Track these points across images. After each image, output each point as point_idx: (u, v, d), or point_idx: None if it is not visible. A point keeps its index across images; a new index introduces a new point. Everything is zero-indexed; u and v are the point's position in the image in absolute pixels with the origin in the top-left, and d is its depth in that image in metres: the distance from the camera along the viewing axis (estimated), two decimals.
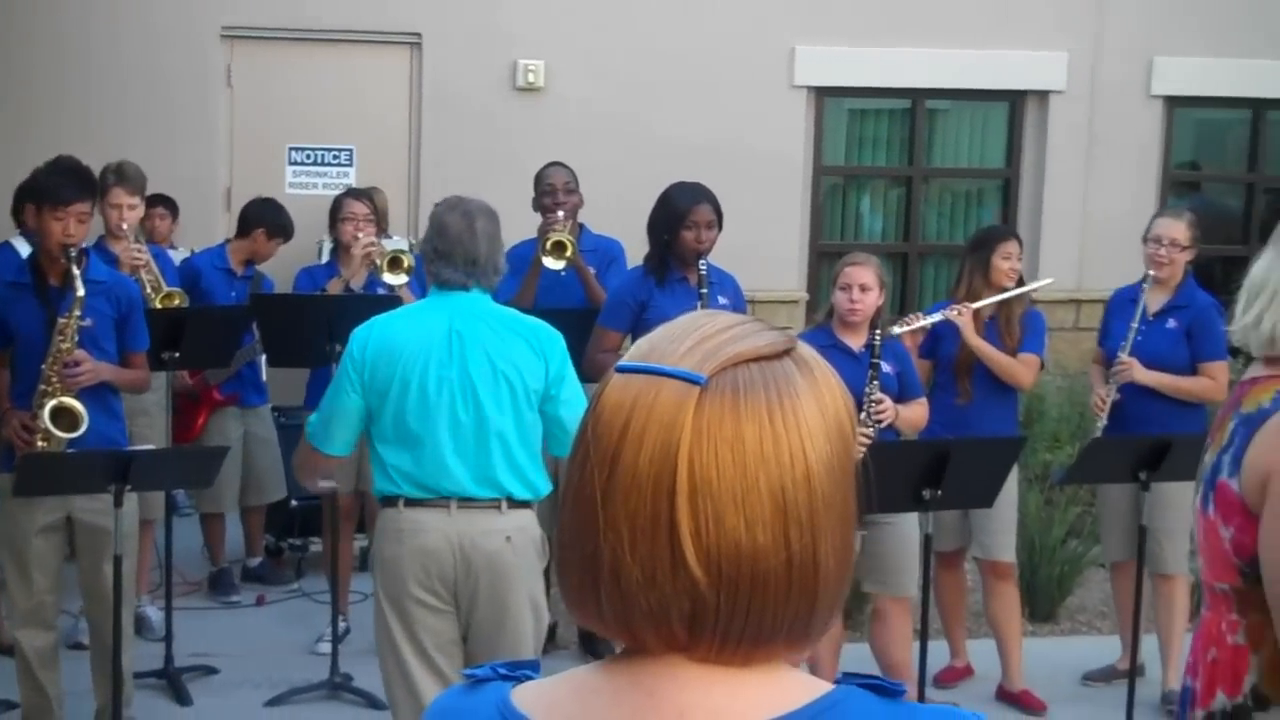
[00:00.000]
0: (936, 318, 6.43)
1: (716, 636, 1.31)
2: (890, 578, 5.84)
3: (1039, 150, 10.68)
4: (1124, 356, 6.38)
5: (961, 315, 6.32)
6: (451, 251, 4.57)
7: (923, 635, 5.71)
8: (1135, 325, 6.39)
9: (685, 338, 1.34)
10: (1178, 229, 6.40)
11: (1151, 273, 6.36)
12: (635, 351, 1.36)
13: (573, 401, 4.57)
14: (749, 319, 1.40)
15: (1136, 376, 6.32)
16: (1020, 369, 6.42)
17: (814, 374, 1.36)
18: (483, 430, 4.52)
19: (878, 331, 5.75)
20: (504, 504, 4.55)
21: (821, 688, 1.34)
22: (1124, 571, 6.47)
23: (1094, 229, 10.50)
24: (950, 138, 10.89)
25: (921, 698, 5.53)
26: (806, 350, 1.38)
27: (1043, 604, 7.59)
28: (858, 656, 5.95)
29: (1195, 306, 6.35)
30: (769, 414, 1.30)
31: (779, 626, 1.31)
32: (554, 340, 4.65)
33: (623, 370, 1.34)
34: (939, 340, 6.52)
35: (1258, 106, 11.06)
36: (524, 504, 4.61)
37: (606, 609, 1.33)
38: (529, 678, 1.43)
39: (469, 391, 4.51)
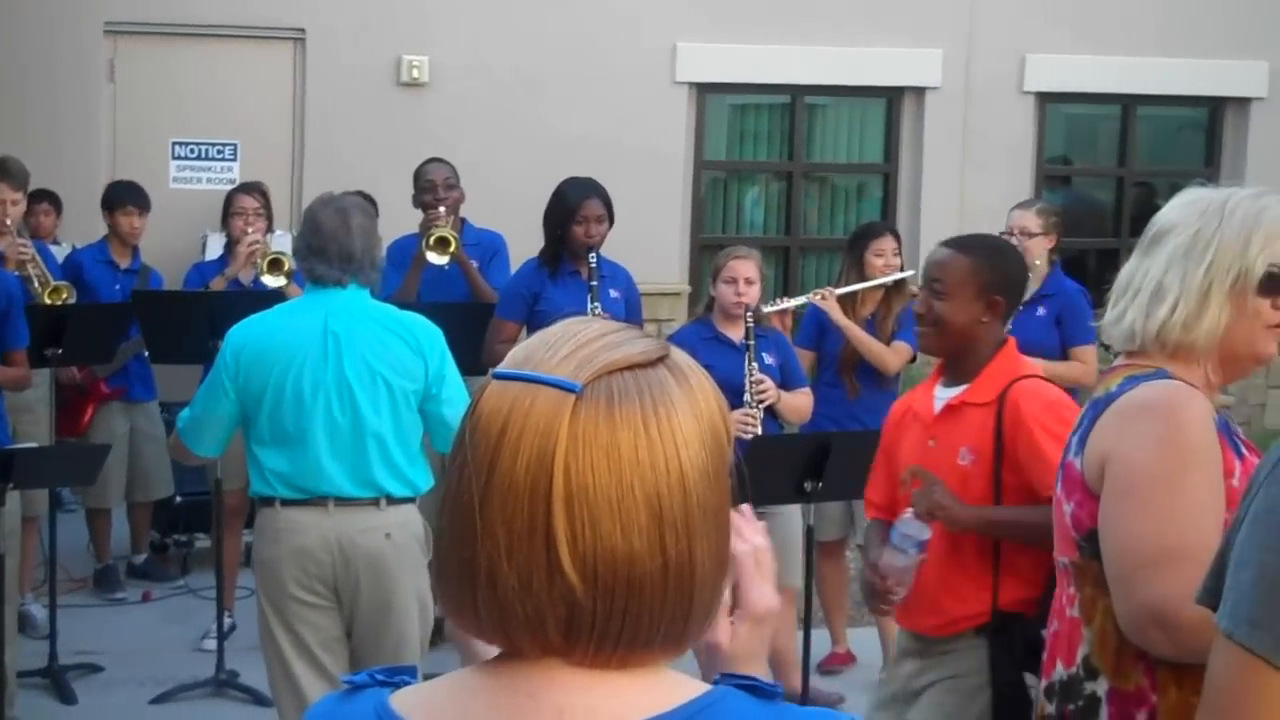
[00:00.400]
0: (802, 300, 6.63)
1: (593, 641, 1.32)
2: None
3: (916, 146, 10.86)
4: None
5: (826, 300, 6.50)
6: (325, 247, 4.54)
7: (805, 624, 5.79)
8: None
9: (561, 345, 1.36)
10: (1027, 218, 6.68)
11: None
12: (511, 359, 1.37)
13: (455, 400, 4.56)
14: (624, 326, 1.41)
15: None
16: (888, 354, 6.54)
17: (689, 380, 1.37)
18: (359, 431, 4.50)
19: (750, 314, 5.85)
20: (383, 501, 4.54)
21: (698, 688, 1.36)
22: None
23: (971, 223, 10.64)
24: (830, 133, 11.04)
25: (806, 685, 5.64)
26: (681, 357, 1.40)
27: None
28: None
29: (1063, 294, 6.57)
30: (644, 421, 1.32)
31: (655, 630, 1.33)
32: (433, 337, 4.64)
33: (500, 377, 1.35)
34: (824, 334, 6.64)
35: (1127, 103, 11.32)
36: (405, 500, 4.59)
37: (483, 614, 1.33)
38: (407, 683, 1.43)
39: (345, 393, 4.49)
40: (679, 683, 1.37)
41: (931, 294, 3.84)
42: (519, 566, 1.30)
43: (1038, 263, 6.56)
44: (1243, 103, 11.32)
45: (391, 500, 4.54)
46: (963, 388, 3.84)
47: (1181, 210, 2.68)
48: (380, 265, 4.78)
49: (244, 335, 4.61)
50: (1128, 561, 2.56)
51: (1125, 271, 2.75)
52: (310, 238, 4.60)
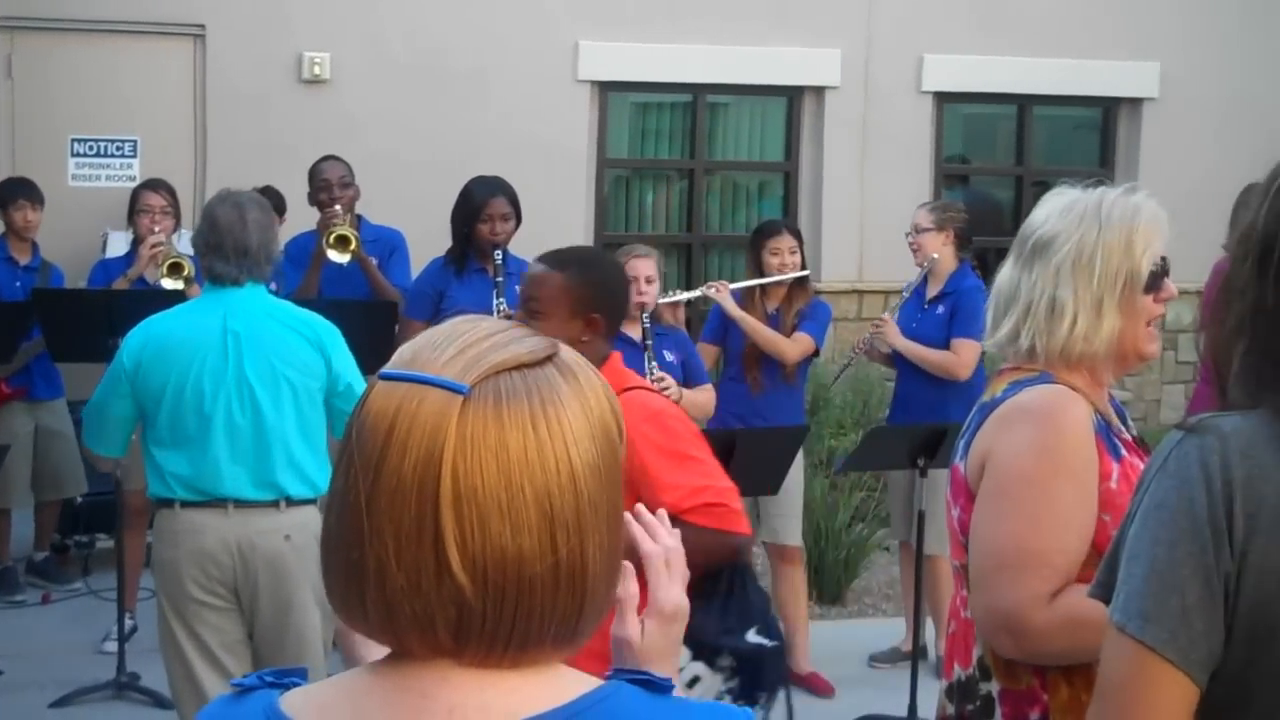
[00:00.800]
0: (696, 294, 6.71)
1: (483, 642, 1.31)
2: None
3: (816, 144, 10.92)
4: (885, 315, 6.73)
5: (720, 293, 6.57)
6: (222, 243, 4.55)
7: None
8: (898, 304, 6.87)
9: (448, 345, 1.35)
10: (920, 215, 6.79)
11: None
12: (398, 359, 1.36)
13: (355, 394, 4.53)
14: (512, 326, 1.42)
15: (888, 334, 6.64)
16: (785, 344, 6.56)
17: (577, 378, 1.37)
18: (261, 432, 4.52)
19: (646, 315, 5.88)
20: (283, 503, 4.55)
21: (591, 684, 1.36)
22: (909, 553, 6.69)
23: (872, 221, 10.80)
24: (731, 131, 11.08)
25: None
26: (569, 354, 1.40)
27: (830, 587, 7.78)
28: None
29: (960, 291, 6.64)
30: (532, 421, 1.31)
31: (546, 629, 1.32)
32: (331, 335, 4.67)
33: (386, 378, 1.35)
34: (728, 330, 6.69)
35: (1023, 102, 11.47)
36: (305, 501, 4.60)
37: (371, 614, 1.33)
38: (297, 684, 1.42)
39: (246, 392, 4.51)
40: (572, 679, 1.37)
41: (528, 313, 3.59)
42: (407, 567, 1.29)
43: (935, 256, 6.65)
44: (1135, 103, 11.52)
45: (291, 502, 4.56)
46: None
47: (1059, 219, 2.68)
48: (276, 260, 4.80)
49: (143, 335, 4.59)
50: (988, 562, 2.60)
51: (1006, 283, 2.75)
52: (208, 234, 4.61)
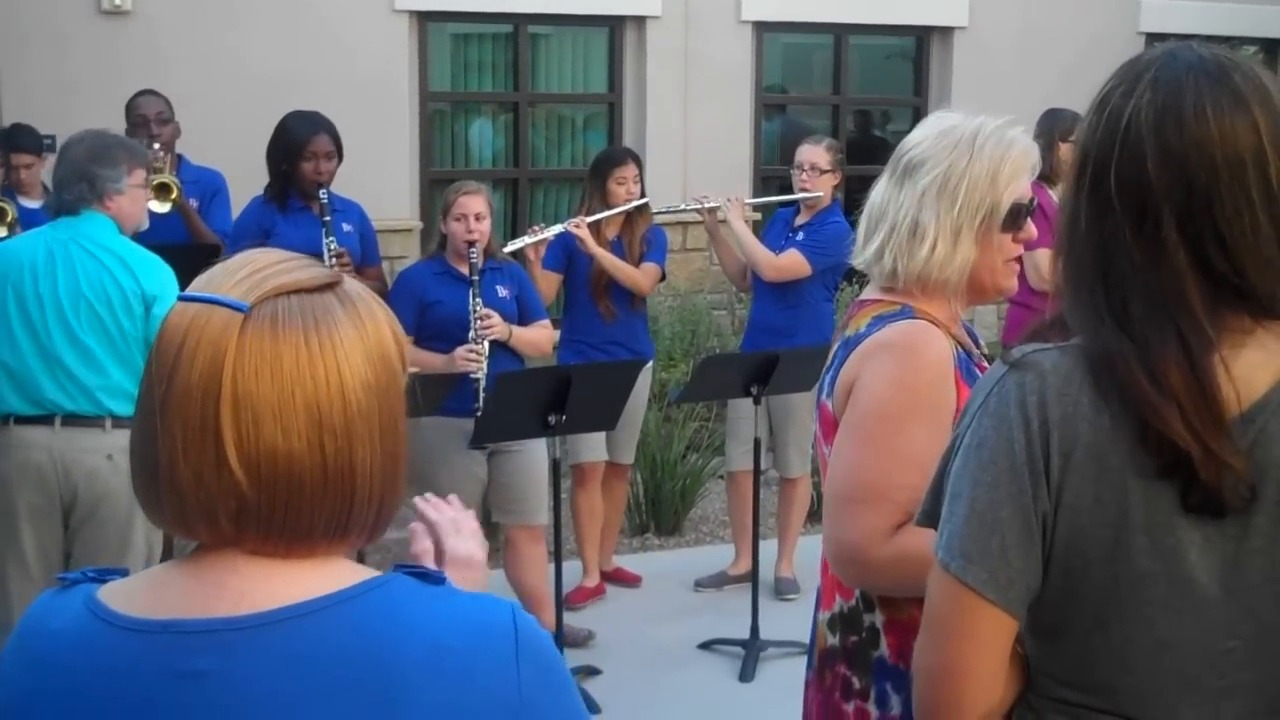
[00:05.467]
0: (558, 229, 6.66)
1: (260, 530, 1.47)
2: (517, 506, 5.94)
3: (639, 75, 10.88)
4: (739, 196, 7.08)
5: (580, 228, 6.59)
6: (67, 176, 4.81)
7: (556, 558, 5.82)
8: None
9: (238, 271, 1.51)
10: (817, 154, 6.83)
11: (800, 195, 6.83)
12: (195, 284, 1.52)
13: None
14: (302, 259, 1.57)
15: (734, 210, 6.90)
16: (639, 275, 6.74)
17: (356, 307, 1.53)
18: (85, 353, 4.73)
19: (473, 251, 5.83)
20: (108, 422, 4.77)
21: (371, 573, 1.52)
22: (741, 481, 6.78)
23: (695, 150, 10.80)
24: (554, 63, 10.98)
25: (559, 621, 5.65)
26: (353, 286, 1.56)
27: (667, 517, 7.84)
28: (495, 584, 6.03)
29: (825, 223, 6.70)
30: (305, 337, 1.47)
31: (316, 522, 1.49)
32: (152, 264, 4.84)
33: (183, 299, 1.51)
34: (572, 258, 6.73)
35: (839, 31, 11.57)
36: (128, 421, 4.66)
37: (166, 507, 1.49)
38: (117, 579, 1.58)
39: (68, 314, 4.72)
40: (352, 570, 1.52)
41: None
42: (193, 463, 1.45)
43: (820, 194, 6.75)
44: (946, 32, 11.68)
45: (118, 421, 4.76)
46: None
47: (934, 143, 2.65)
48: (118, 192, 4.87)
49: None
50: (837, 493, 2.60)
51: (877, 199, 2.73)
52: (56, 167, 4.89)
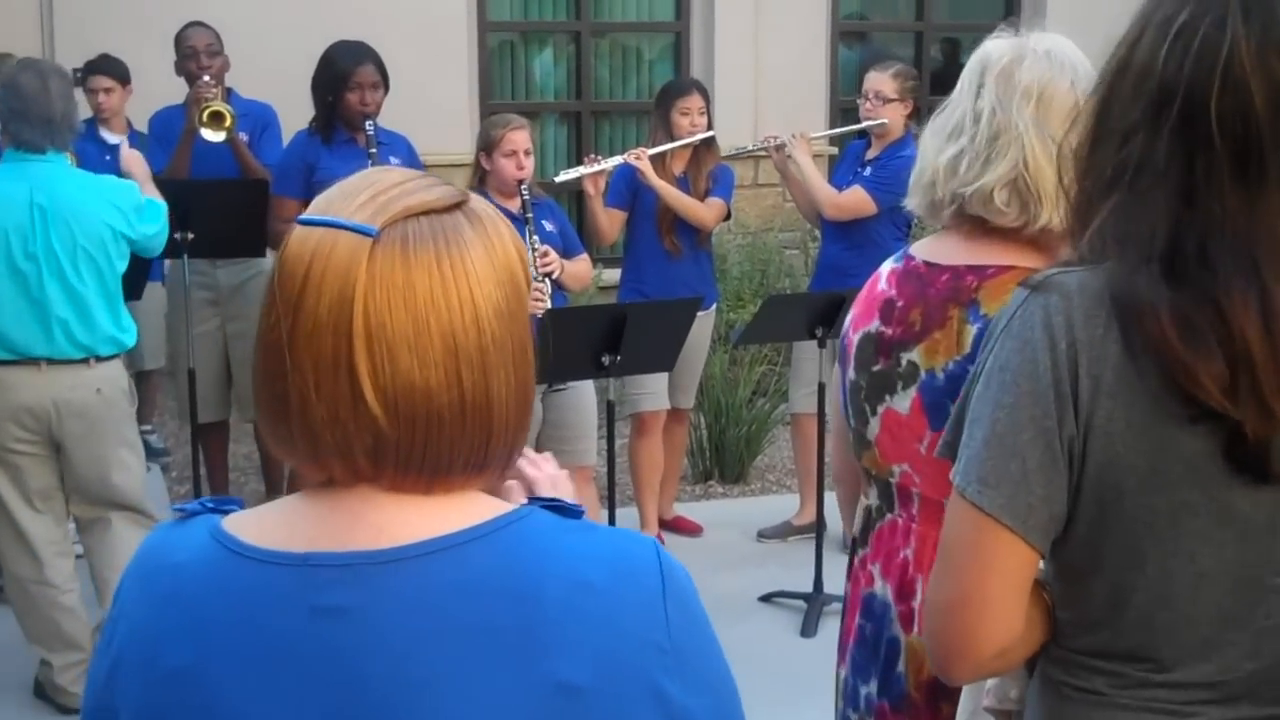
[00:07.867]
0: (617, 161, 6.49)
1: (398, 466, 1.42)
2: (569, 446, 5.75)
3: (708, 3, 10.49)
4: (805, 132, 6.75)
5: (640, 159, 6.38)
6: (28, 111, 4.79)
7: (610, 504, 5.60)
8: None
9: (360, 193, 1.43)
10: (883, 80, 6.50)
11: (864, 124, 6.52)
12: (314, 207, 1.44)
13: (152, 223, 5.04)
14: (422, 175, 1.48)
15: (801, 147, 6.58)
16: (703, 210, 6.49)
17: (484, 226, 1.45)
18: (71, 298, 4.87)
19: (526, 187, 5.73)
20: (92, 360, 4.96)
21: (506, 508, 1.46)
22: (805, 424, 6.51)
23: (766, 82, 10.41)
24: None
25: None
26: (479, 203, 1.47)
27: (732, 465, 7.60)
28: None
29: (896, 157, 6.34)
30: (438, 262, 1.39)
31: (455, 458, 1.42)
32: (130, 191, 5.00)
33: (303, 223, 1.43)
34: (637, 193, 6.50)
35: None
36: (112, 357, 5.04)
37: (299, 443, 1.43)
38: (234, 510, 1.52)
39: (53, 264, 4.82)
40: (489, 504, 1.47)
41: None
42: (326, 399, 1.39)
43: (885, 121, 6.43)
44: None
45: (100, 359, 4.97)
46: None
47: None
48: (78, 130, 5.02)
49: None
50: None
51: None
52: (12, 101, 4.81)
